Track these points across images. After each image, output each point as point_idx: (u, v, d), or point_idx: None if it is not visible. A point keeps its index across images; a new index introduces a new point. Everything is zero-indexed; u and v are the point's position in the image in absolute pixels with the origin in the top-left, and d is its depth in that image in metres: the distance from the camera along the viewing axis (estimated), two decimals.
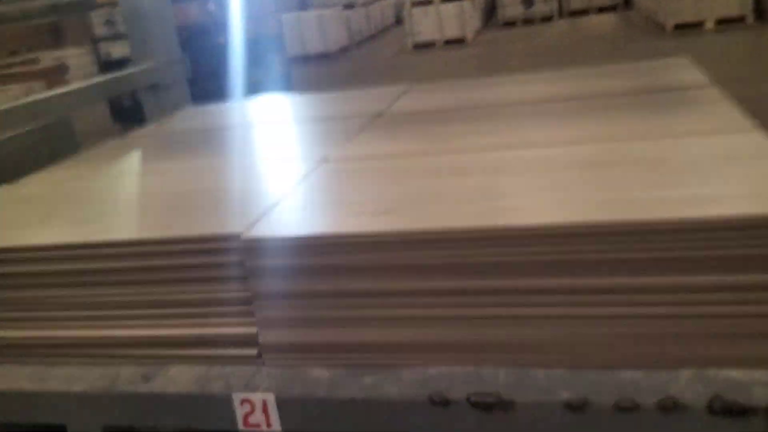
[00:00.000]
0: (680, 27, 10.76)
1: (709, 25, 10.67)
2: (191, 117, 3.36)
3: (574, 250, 1.47)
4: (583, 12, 15.24)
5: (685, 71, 2.72)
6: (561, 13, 15.46)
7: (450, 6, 13.58)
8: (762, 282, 1.38)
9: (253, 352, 1.74)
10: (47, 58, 10.94)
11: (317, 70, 13.53)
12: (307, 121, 3.01)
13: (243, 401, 1.63)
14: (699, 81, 2.53)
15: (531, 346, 1.54)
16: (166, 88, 3.82)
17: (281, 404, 1.61)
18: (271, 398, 1.61)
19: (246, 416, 1.64)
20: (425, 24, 13.84)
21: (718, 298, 1.40)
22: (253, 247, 1.64)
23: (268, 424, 1.63)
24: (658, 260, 1.42)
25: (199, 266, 1.71)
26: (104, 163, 2.66)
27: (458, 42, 13.74)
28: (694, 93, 2.41)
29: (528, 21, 15.27)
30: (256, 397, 1.62)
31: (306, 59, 14.77)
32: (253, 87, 9.59)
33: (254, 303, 1.69)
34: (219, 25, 9.11)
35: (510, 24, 15.36)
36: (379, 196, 1.85)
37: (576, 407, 1.41)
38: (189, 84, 8.90)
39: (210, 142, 2.73)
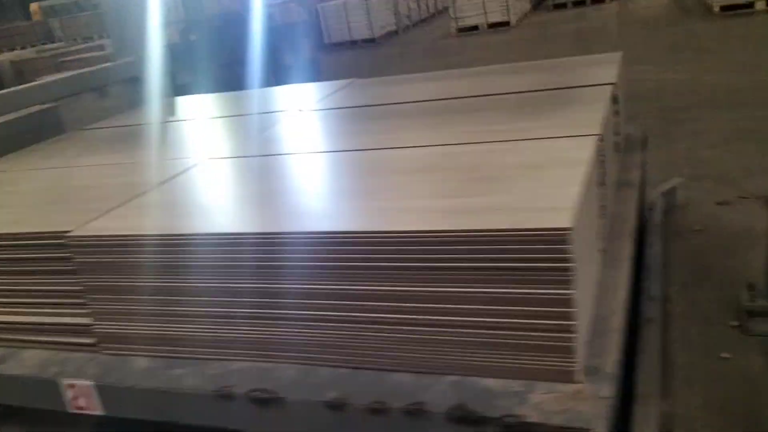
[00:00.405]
0: (727, 9, 10.20)
1: (761, 6, 10.06)
2: (149, 112, 3.53)
3: (344, 257, 1.52)
4: None
5: (601, 68, 2.67)
6: None
7: None
8: (510, 296, 1.40)
9: (91, 341, 1.86)
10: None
11: (358, 55, 13.61)
12: (228, 117, 3.12)
13: (69, 386, 1.77)
14: (604, 78, 2.49)
15: (318, 347, 1.61)
16: (144, 81, 3.99)
17: (100, 390, 1.74)
18: (92, 384, 1.74)
19: (73, 400, 1.78)
20: (469, 8, 13.66)
21: (482, 309, 1.43)
22: (81, 244, 1.77)
23: (91, 408, 1.76)
24: (424, 269, 1.45)
25: (40, 260, 1.86)
26: (31, 158, 2.87)
27: (503, 25, 13.49)
28: (585, 92, 2.37)
29: (579, 3, 14.79)
30: (81, 383, 1.76)
31: (352, 44, 14.84)
32: (282, 73, 9.81)
33: (86, 296, 1.82)
34: (250, 13, 9.31)
35: (560, 6, 14.93)
36: (207, 198, 1.96)
37: (335, 406, 1.48)
38: (224, 69, 9.07)
39: (134, 139, 2.88)
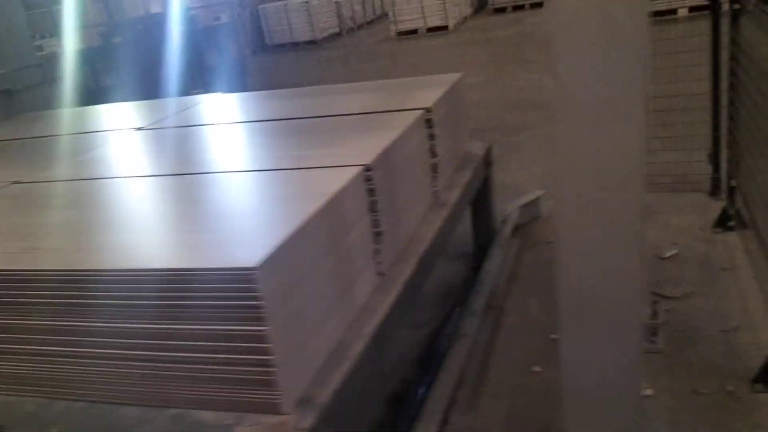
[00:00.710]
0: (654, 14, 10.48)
1: (683, 12, 10.37)
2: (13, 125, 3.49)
3: (62, 294, 1.53)
4: None
5: (425, 92, 2.73)
6: None
7: None
8: (211, 332, 1.43)
9: None
10: None
11: (299, 57, 13.60)
12: (59, 136, 3.09)
13: None
14: (421, 102, 2.54)
15: (53, 381, 1.62)
16: (18, 92, 3.96)
17: None
18: None
19: None
20: (408, 12, 13.75)
21: (189, 345, 1.47)
22: None
23: None
24: (132, 306, 1.48)
25: None
26: None
27: (441, 29, 13.62)
28: (395, 117, 2.42)
29: (518, 7, 15.00)
30: None
31: (294, 46, 14.82)
32: (207, 75, 9.76)
33: None
34: (176, 16, 9.24)
35: (500, 10, 15.12)
36: None
37: None
38: (146, 72, 8.85)
39: None
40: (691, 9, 10.12)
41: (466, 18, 14.69)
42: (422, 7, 13.61)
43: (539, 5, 14.73)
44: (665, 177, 3.58)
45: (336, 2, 15.58)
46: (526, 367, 2.60)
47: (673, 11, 10.28)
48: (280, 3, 14.93)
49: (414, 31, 13.81)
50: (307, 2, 14.57)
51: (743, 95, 3.03)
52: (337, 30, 15.65)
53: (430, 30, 13.70)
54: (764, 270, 2.65)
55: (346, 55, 12.96)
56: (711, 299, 2.85)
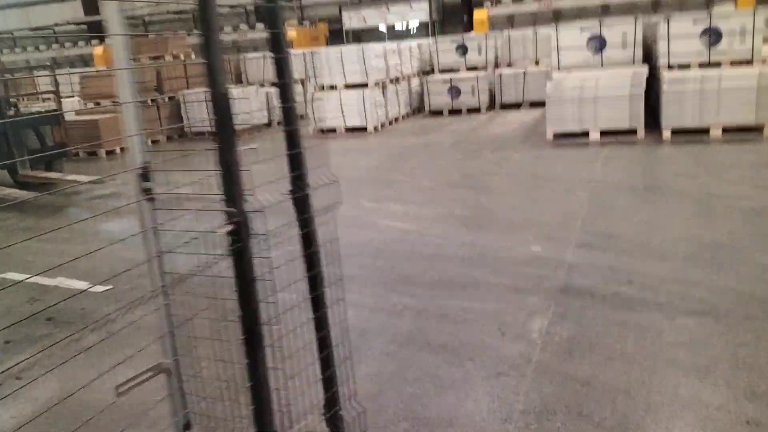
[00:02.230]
0: (563, 136, 9.62)
1: (595, 137, 9.44)
2: None
3: None
4: (514, 106, 14.16)
5: None
6: (492, 105, 14.41)
7: (352, 93, 12.71)
8: None
9: None
10: None
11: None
12: None
13: None
14: None
15: None
16: None
17: None
18: None
19: None
20: (328, 110, 12.99)
21: None
22: None
23: None
24: None
25: None
26: None
27: (360, 131, 12.80)
28: None
29: (455, 111, 14.26)
30: None
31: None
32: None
33: None
34: None
35: (437, 113, 14.38)
36: None
37: None
38: None
39: None
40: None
41: (393, 119, 13.88)
42: (341, 106, 12.85)
43: (476, 111, 14.01)
44: None
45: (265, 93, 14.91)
46: None
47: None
48: (200, 91, 14.23)
49: (333, 130, 13.01)
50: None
51: None
52: (265, 121, 14.92)
53: (350, 130, 12.90)
54: None
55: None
56: None
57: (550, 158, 8.84)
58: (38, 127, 9.96)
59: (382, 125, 13.23)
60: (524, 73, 14.07)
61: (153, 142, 13.65)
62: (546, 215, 6.20)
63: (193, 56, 15.99)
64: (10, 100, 10.22)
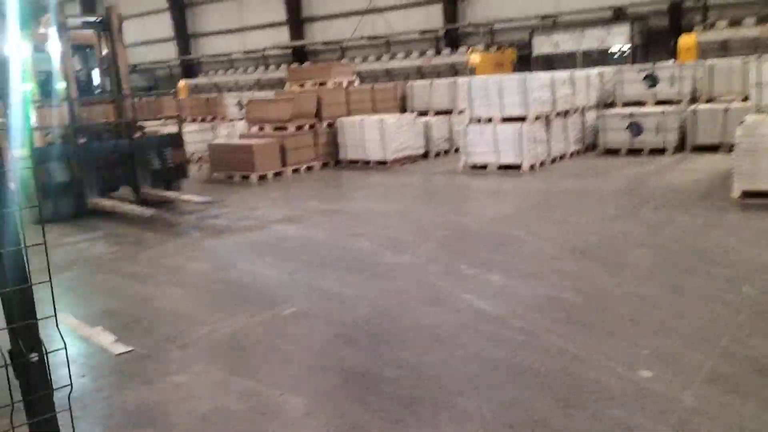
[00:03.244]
0: (755, 195, 7.51)
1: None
2: None
3: None
4: (710, 148, 11.77)
5: None
6: (682, 147, 12.14)
7: (508, 127, 11.38)
8: None
9: None
10: None
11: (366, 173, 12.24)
12: None
13: None
14: None
15: None
16: None
17: None
18: None
19: None
20: (481, 143, 11.79)
21: None
22: None
23: None
24: None
25: None
26: None
27: (515, 168, 11.42)
28: None
29: (634, 151, 12.26)
30: None
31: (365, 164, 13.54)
32: None
33: None
34: None
35: (613, 152, 12.49)
36: None
37: None
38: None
39: None
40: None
41: (559, 156, 12.25)
42: (496, 140, 11.57)
43: (661, 152, 11.91)
44: None
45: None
46: None
47: None
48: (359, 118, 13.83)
49: (484, 167, 11.78)
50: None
51: None
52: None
53: (502, 167, 11.58)
54: None
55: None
56: None
57: (728, 227, 6.80)
58: (161, 148, 10.42)
59: (542, 163, 11.70)
60: (725, 110, 11.64)
61: (308, 168, 13.48)
62: (684, 318, 4.49)
63: (356, 83, 15.70)
64: (137, 123, 10.71)
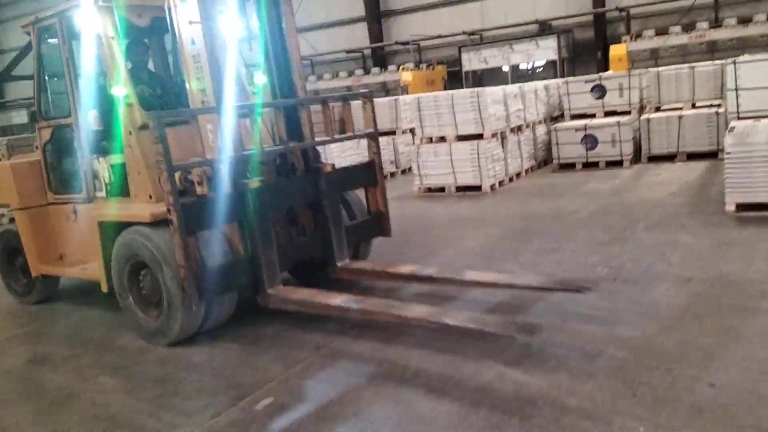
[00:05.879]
0: (749, 207, 7.01)
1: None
2: None
3: None
4: (666, 158, 11.47)
5: None
6: (638, 157, 11.79)
7: (464, 145, 10.67)
8: None
9: None
10: None
11: None
12: None
13: None
14: None
15: None
16: None
17: None
18: None
19: None
20: (436, 165, 11.01)
21: None
22: None
23: None
24: None
25: None
26: None
27: (474, 189, 10.69)
28: None
29: (590, 164, 11.82)
30: None
31: None
32: None
33: None
34: None
35: (568, 166, 12.01)
36: None
37: None
38: None
39: None
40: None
41: (515, 174, 11.65)
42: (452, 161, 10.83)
43: (617, 164, 11.51)
44: None
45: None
46: None
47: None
48: None
49: (441, 189, 11.00)
50: None
51: None
52: None
53: (460, 189, 10.83)
54: None
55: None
56: None
57: (741, 246, 6.15)
58: (348, 189, 6.28)
59: (501, 183, 11.03)
60: (679, 118, 11.38)
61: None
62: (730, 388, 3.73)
63: None
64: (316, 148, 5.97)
